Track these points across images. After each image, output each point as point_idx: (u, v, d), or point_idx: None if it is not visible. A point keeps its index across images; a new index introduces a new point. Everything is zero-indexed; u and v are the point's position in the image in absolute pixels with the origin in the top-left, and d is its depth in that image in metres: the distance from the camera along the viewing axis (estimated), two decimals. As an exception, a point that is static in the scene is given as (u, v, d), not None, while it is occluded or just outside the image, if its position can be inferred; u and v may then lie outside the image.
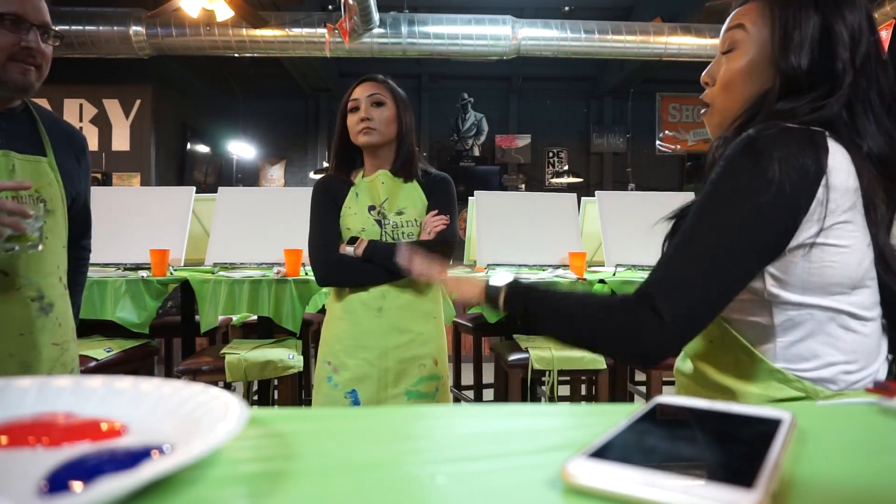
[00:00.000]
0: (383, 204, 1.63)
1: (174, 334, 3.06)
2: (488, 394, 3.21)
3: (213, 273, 2.57)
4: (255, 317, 2.88)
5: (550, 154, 9.04)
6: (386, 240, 1.61)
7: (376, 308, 1.58)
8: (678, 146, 8.66)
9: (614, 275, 2.71)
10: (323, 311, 3.25)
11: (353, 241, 1.59)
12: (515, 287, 0.91)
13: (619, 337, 0.76)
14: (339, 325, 1.62)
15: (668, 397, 0.49)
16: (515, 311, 0.89)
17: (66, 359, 1.37)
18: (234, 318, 3.11)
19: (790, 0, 0.84)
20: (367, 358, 1.58)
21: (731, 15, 0.91)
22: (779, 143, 0.74)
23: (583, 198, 3.31)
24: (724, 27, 0.91)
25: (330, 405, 1.58)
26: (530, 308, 0.88)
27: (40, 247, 1.22)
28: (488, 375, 3.29)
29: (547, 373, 2.30)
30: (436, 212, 1.63)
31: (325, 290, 2.46)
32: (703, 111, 0.94)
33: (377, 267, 1.56)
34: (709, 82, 0.92)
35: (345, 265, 1.57)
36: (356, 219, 1.62)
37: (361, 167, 1.71)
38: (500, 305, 0.91)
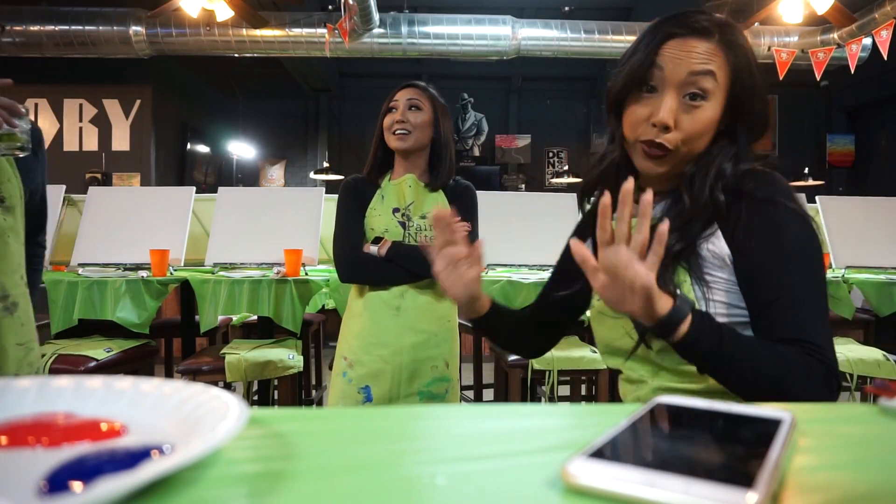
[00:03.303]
0: (408, 207, 1.67)
1: (174, 334, 3.06)
2: (488, 394, 3.21)
3: (213, 273, 2.57)
4: (255, 317, 2.88)
5: (550, 154, 9.04)
6: (409, 242, 1.64)
7: (395, 307, 1.62)
8: (678, 146, 8.64)
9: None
10: (323, 310, 3.26)
11: (377, 241, 1.62)
12: (705, 316, 0.77)
13: (815, 389, 0.76)
14: (357, 321, 1.65)
15: (668, 397, 0.48)
16: (701, 344, 0.75)
17: (31, 358, 1.35)
18: (234, 318, 3.11)
19: (740, 47, 0.86)
20: (381, 355, 1.61)
21: (686, 46, 0.84)
22: (790, 189, 0.85)
23: (583, 198, 3.31)
24: (682, 64, 0.84)
25: (344, 399, 1.62)
26: (726, 347, 0.75)
27: (25, 153, 1.18)
28: (488, 375, 3.29)
29: (547, 373, 2.30)
30: (458, 218, 1.65)
31: (325, 290, 2.46)
32: (660, 153, 0.86)
33: (399, 268, 1.60)
34: (670, 126, 0.84)
35: (367, 264, 1.61)
36: (380, 220, 1.65)
37: (391, 170, 1.74)
38: (680, 333, 0.74)
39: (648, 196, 0.71)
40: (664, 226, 0.71)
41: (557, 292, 1.11)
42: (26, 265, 1.41)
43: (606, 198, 0.71)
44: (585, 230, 1.09)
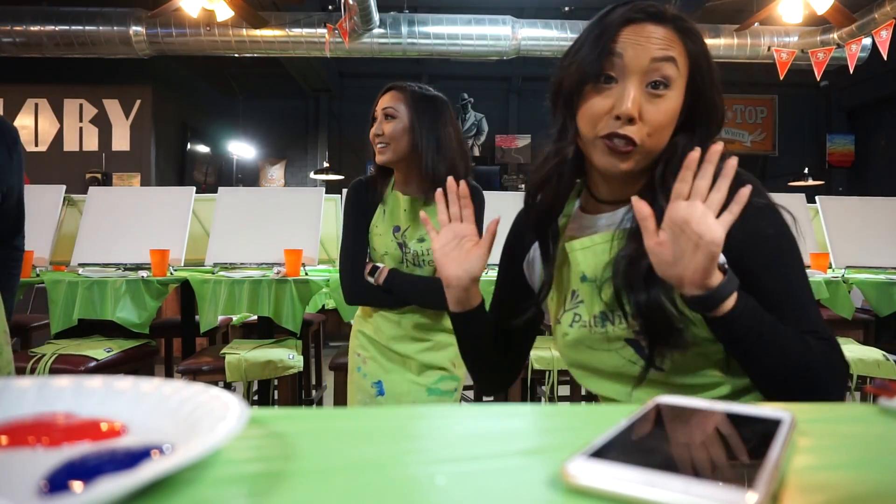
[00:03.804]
0: (405, 231, 1.63)
1: (174, 334, 3.05)
2: (488, 394, 3.21)
3: (213, 273, 2.57)
4: (255, 317, 2.88)
5: (550, 154, 9.04)
6: (407, 266, 1.64)
7: (395, 321, 1.65)
8: (678, 146, 8.64)
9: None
10: (323, 310, 3.26)
11: (373, 271, 1.62)
12: (746, 293, 0.75)
13: (838, 377, 0.79)
14: (366, 325, 1.70)
15: (668, 397, 0.48)
16: (744, 320, 0.73)
17: (1, 362, 1.36)
18: (234, 318, 3.11)
19: (695, 34, 0.83)
20: (390, 357, 1.65)
21: (645, 32, 0.79)
22: (759, 183, 0.84)
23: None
24: (643, 50, 0.78)
25: (360, 393, 1.67)
26: (765, 326, 0.74)
27: None
28: (488, 375, 3.29)
29: (547, 373, 2.30)
30: None
31: (325, 290, 2.46)
32: (627, 148, 0.79)
33: (395, 297, 1.61)
34: (636, 118, 0.78)
35: (367, 290, 1.63)
36: (381, 240, 1.64)
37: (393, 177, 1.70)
38: (726, 307, 0.72)
39: (733, 161, 0.68)
40: (746, 189, 0.68)
41: (513, 319, 0.99)
42: (3, 268, 1.41)
43: (696, 152, 0.69)
44: (518, 238, 1.02)
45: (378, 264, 1.63)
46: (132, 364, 2.39)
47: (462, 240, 0.93)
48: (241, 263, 2.75)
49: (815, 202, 3.20)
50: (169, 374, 3.17)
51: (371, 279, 1.61)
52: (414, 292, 1.60)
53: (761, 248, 0.80)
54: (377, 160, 1.61)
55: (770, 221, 0.81)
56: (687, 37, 0.81)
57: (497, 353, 1.03)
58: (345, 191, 1.84)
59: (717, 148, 0.68)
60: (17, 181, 1.43)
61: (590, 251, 0.87)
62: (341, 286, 1.68)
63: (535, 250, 0.98)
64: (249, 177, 8.86)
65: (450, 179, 0.92)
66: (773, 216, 0.82)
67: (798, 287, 0.81)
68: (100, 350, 2.27)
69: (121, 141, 6.68)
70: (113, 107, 6.68)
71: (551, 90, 0.87)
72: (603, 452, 0.36)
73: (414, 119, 1.57)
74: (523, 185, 8.55)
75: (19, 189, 1.45)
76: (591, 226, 0.90)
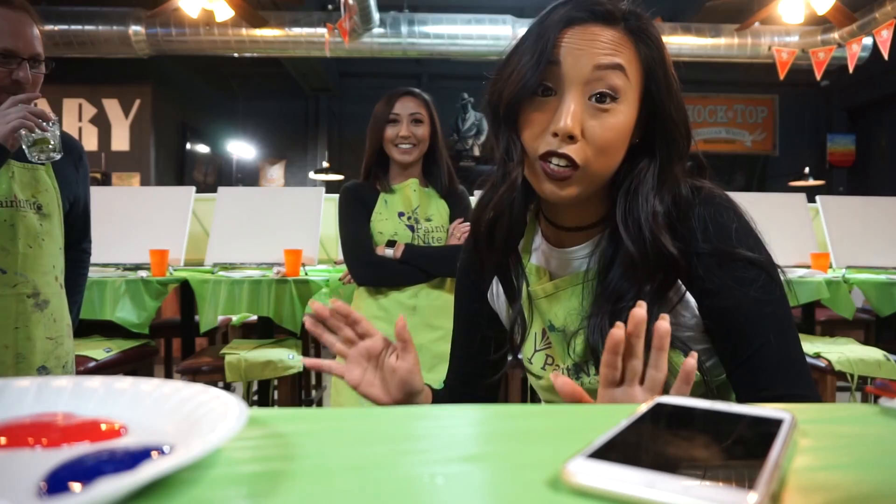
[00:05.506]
0: (415, 210, 1.75)
1: (174, 334, 3.05)
2: (488, 394, 3.21)
3: (212, 273, 2.57)
4: (255, 317, 2.88)
5: (550, 154, 9.04)
6: (418, 244, 1.71)
7: (411, 307, 1.68)
8: (678, 146, 8.64)
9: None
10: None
11: (391, 244, 1.69)
12: None
13: None
14: (375, 323, 1.68)
15: (668, 397, 0.48)
16: None
17: (60, 352, 1.45)
18: (234, 318, 3.11)
19: (651, 37, 0.72)
20: None
21: (588, 34, 0.69)
22: (742, 217, 0.77)
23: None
24: (585, 56, 0.68)
25: (360, 399, 1.61)
26: None
27: (59, 155, 1.30)
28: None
29: (547, 373, 2.30)
30: (462, 220, 1.77)
31: (325, 290, 2.46)
32: (565, 173, 0.69)
33: (414, 269, 1.66)
34: (576, 136, 0.68)
35: (383, 266, 1.67)
36: (388, 223, 1.71)
37: (389, 175, 1.81)
38: None
39: (665, 326, 0.58)
40: (692, 360, 0.58)
41: (481, 358, 0.91)
42: (72, 269, 1.54)
43: (620, 330, 0.59)
44: (475, 269, 0.89)
45: (393, 240, 1.71)
46: (131, 364, 2.39)
47: (378, 358, 0.80)
48: (241, 263, 2.75)
49: (815, 202, 3.20)
50: (168, 374, 3.17)
51: (389, 251, 1.67)
52: (432, 261, 1.67)
53: (742, 301, 0.71)
54: (402, 159, 1.72)
55: (755, 275, 0.71)
56: (640, 40, 0.71)
57: (475, 397, 0.94)
58: (344, 191, 1.89)
59: (640, 315, 0.58)
60: (83, 192, 1.57)
61: (554, 299, 0.80)
62: (350, 267, 1.72)
63: (497, 283, 0.88)
64: (249, 177, 8.86)
65: (317, 306, 0.78)
66: (758, 271, 0.71)
67: (794, 354, 0.72)
68: (99, 350, 2.27)
69: (120, 141, 6.68)
70: (112, 107, 6.68)
71: (489, 103, 0.76)
72: (603, 452, 0.36)
73: (433, 123, 1.77)
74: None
75: (86, 198, 1.59)
76: (556, 258, 0.82)
